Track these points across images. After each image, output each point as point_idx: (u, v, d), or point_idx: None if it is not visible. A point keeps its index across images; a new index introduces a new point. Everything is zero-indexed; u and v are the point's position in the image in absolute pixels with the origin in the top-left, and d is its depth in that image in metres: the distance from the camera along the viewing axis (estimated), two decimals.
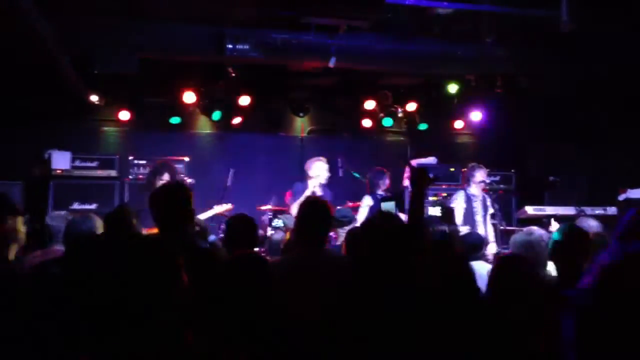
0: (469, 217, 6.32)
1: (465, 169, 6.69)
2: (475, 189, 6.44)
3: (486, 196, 6.54)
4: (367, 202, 6.48)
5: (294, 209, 5.84)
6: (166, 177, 5.98)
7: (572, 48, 6.40)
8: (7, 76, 6.90)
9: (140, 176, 7.27)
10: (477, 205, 6.42)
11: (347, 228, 5.43)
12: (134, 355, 1.70)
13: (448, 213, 5.45)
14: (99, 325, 2.01)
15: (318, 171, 6.38)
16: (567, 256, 3.21)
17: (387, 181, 6.70)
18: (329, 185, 6.54)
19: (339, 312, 2.48)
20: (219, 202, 6.48)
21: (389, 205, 3.11)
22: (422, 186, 2.99)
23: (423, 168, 3.04)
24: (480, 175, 6.40)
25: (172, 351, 1.73)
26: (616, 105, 7.27)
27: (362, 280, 2.51)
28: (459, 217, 6.09)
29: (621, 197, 6.62)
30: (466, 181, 6.55)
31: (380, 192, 6.61)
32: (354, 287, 2.53)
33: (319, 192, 6.24)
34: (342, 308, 2.47)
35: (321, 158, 6.51)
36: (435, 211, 5.56)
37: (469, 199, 6.39)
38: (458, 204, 6.33)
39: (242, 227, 3.71)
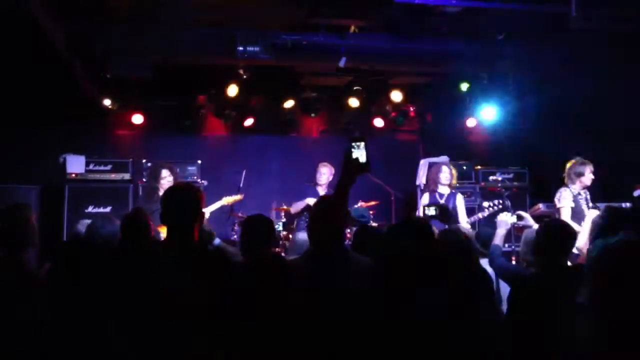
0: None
1: (479, 167, 6.64)
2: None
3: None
4: None
5: (292, 209, 6.49)
6: (165, 173, 6.01)
7: (583, 45, 6.35)
8: (21, 81, 7.00)
9: None
10: None
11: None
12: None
13: (445, 212, 5.24)
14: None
15: (318, 176, 6.56)
16: None
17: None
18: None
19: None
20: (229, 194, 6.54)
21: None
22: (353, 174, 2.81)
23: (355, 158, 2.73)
24: None
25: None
26: (632, 102, 7.21)
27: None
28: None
29: (636, 193, 6.56)
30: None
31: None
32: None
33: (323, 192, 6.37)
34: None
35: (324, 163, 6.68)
36: (430, 211, 5.12)
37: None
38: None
39: (261, 227, 3.59)
